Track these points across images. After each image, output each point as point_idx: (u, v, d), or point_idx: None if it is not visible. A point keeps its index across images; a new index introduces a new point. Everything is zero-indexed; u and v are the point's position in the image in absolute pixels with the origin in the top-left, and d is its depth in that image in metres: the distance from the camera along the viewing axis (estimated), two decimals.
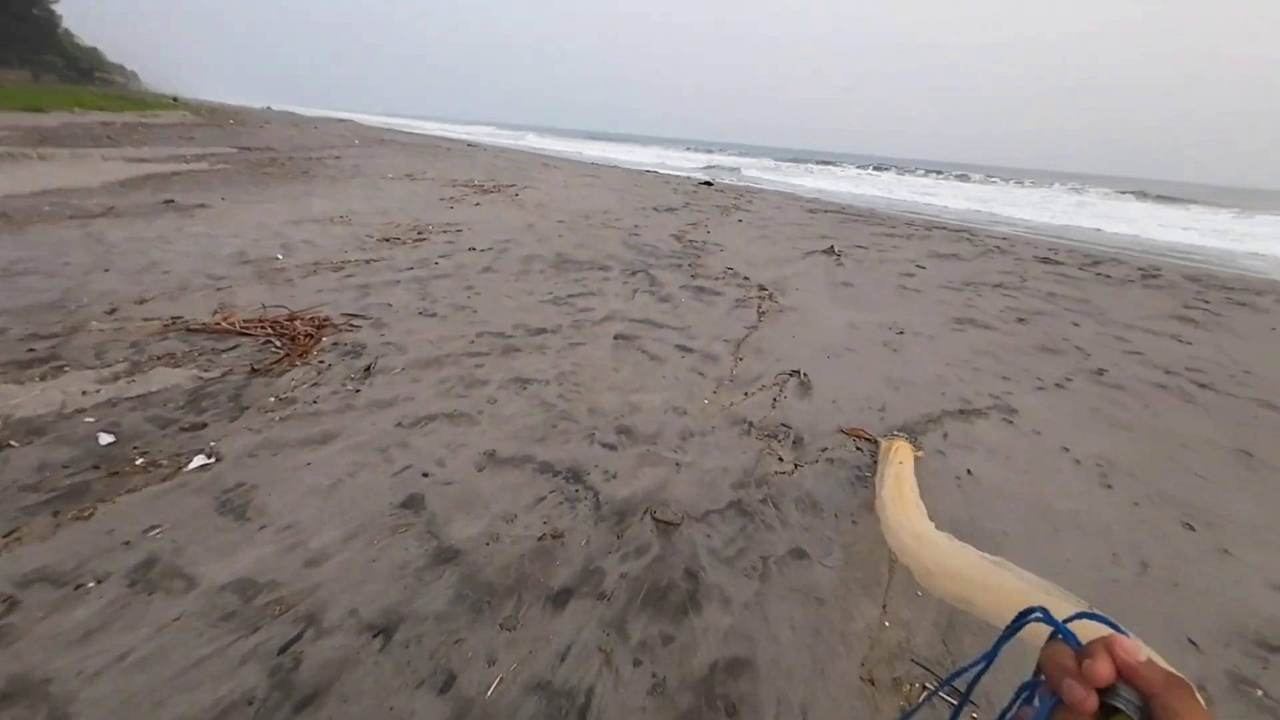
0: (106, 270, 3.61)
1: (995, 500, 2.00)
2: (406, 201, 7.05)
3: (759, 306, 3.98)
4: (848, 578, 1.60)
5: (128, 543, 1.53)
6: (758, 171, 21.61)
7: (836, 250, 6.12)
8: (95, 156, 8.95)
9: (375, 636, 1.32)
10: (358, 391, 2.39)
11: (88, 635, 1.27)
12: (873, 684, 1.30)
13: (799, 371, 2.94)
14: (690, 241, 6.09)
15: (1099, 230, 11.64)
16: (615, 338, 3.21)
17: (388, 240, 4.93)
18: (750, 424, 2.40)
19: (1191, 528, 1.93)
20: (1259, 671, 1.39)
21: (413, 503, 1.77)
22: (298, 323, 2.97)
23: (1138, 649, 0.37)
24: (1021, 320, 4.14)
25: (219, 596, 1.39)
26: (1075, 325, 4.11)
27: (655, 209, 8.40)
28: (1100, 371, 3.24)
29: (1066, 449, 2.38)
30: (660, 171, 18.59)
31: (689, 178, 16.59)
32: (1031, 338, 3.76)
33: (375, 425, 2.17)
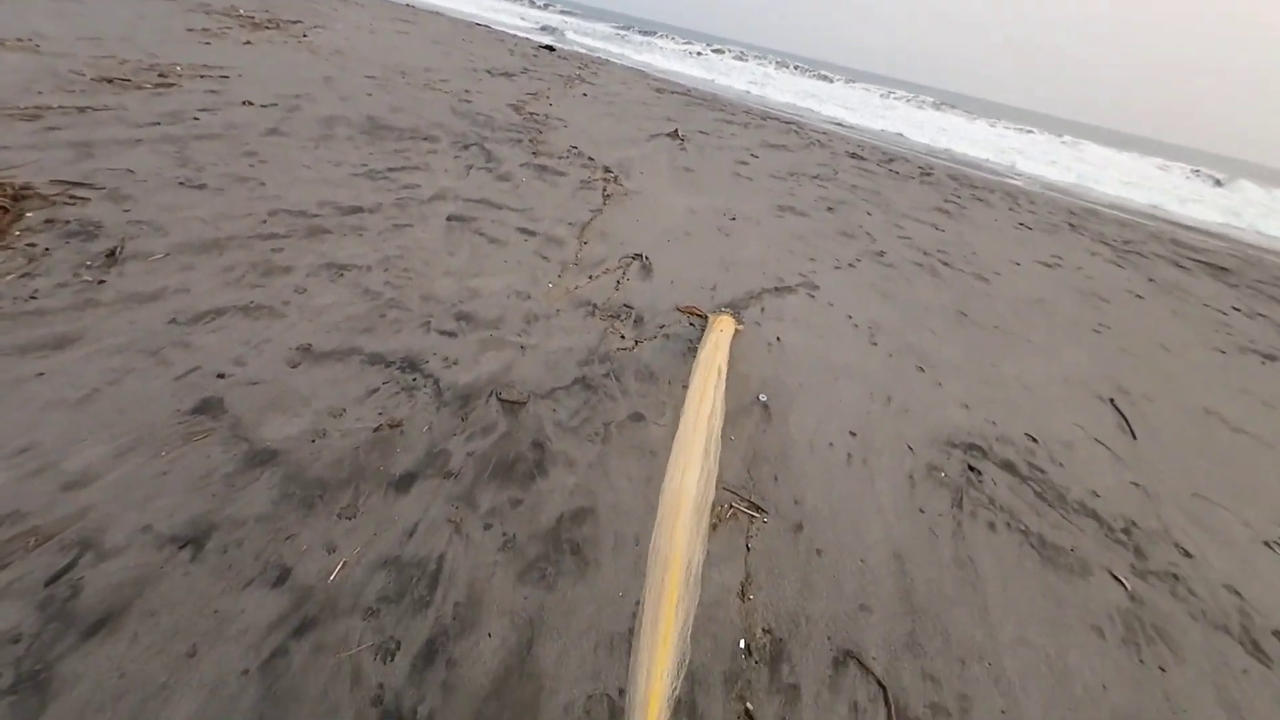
0: None
1: (795, 360, 2.40)
2: (131, 27, 5.14)
3: (604, 189, 3.89)
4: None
5: None
6: (595, 40, 19.83)
7: (680, 134, 6.11)
8: None
9: (182, 548, 1.19)
10: (100, 283, 1.88)
11: None
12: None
13: (641, 255, 3.03)
14: (531, 114, 5.54)
15: (901, 135, 13.24)
16: (449, 219, 2.92)
17: (109, 81, 3.62)
18: (595, 306, 2.45)
19: (922, 370, 2.55)
20: (944, 461, 1.98)
21: (208, 407, 1.53)
22: None
23: None
24: (830, 209, 4.70)
25: None
26: (868, 214, 4.80)
27: (489, 72, 7.35)
28: (881, 253, 3.90)
29: (850, 316, 2.89)
30: (492, 27, 16.03)
31: (527, 39, 14.63)
32: (836, 224, 4.32)
33: (136, 324, 1.75)
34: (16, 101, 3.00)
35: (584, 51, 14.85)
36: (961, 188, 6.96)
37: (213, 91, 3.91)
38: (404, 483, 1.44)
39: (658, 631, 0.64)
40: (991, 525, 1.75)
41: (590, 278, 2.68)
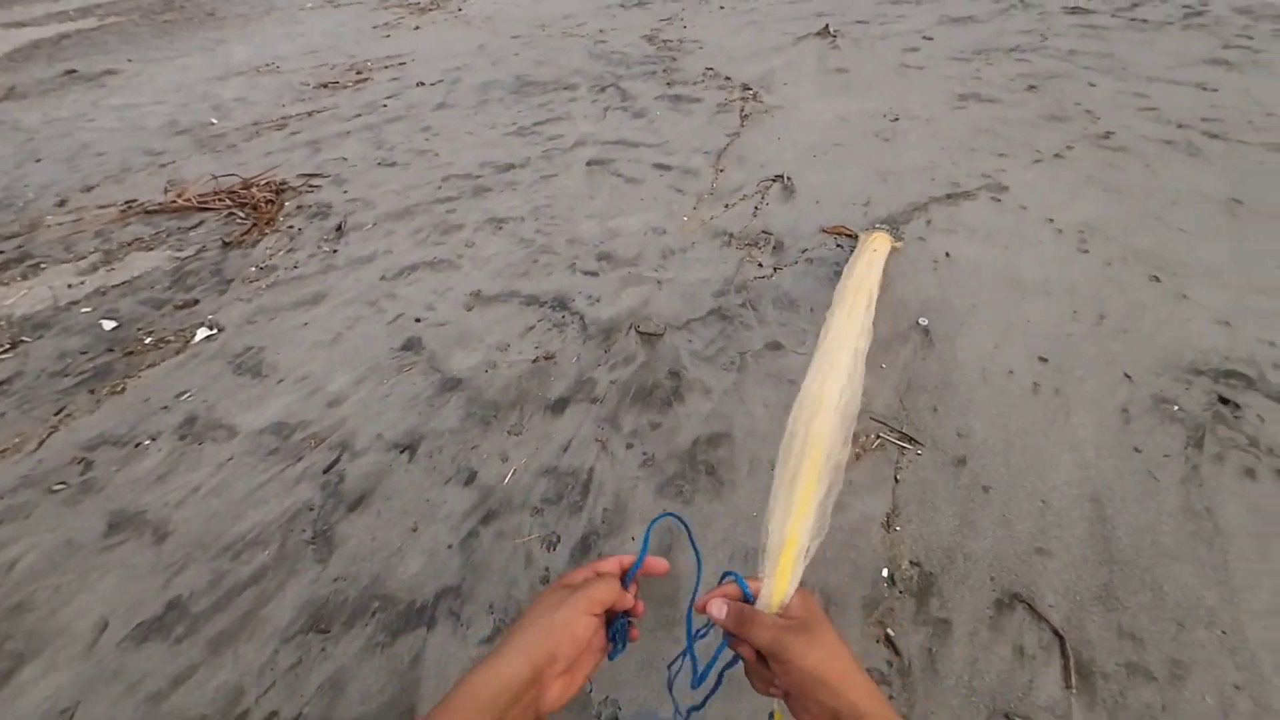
0: (38, 160, 3.36)
1: (969, 277, 2.05)
2: (335, 36, 6.11)
3: (742, 109, 3.63)
4: None
5: (165, 407, 1.70)
6: None
7: (832, 30, 5.32)
8: None
9: (403, 452, 1.53)
10: (335, 251, 2.38)
11: (161, 478, 1.49)
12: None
13: (782, 175, 2.81)
14: (664, 42, 5.32)
15: None
16: (588, 164, 3.03)
17: (326, 86, 4.40)
18: (731, 235, 2.38)
19: (1158, 279, 1.99)
20: (1180, 392, 1.57)
21: (411, 345, 1.88)
22: (254, 190, 2.83)
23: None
24: (1032, 88, 3.75)
25: (260, 439, 1.58)
26: (1091, 86, 3.72)
27: (623, 6, 7.17)
28: (1106, 135, 3.03)
29: (1051, 220, 2.35)
30: None
31: None
32: (1040, 107, 3.45)
33: (361, 281, 2.21)
34: (271, 115, 3.84)
35: None
36: (1256, 22, 4.94)
37: (395, 79, 4.51)
38: (558, 406, 1.63)
39: (795, 489, 0.64)
40: (1250, 472, 1.36)
41: (726, 206, 2.58)
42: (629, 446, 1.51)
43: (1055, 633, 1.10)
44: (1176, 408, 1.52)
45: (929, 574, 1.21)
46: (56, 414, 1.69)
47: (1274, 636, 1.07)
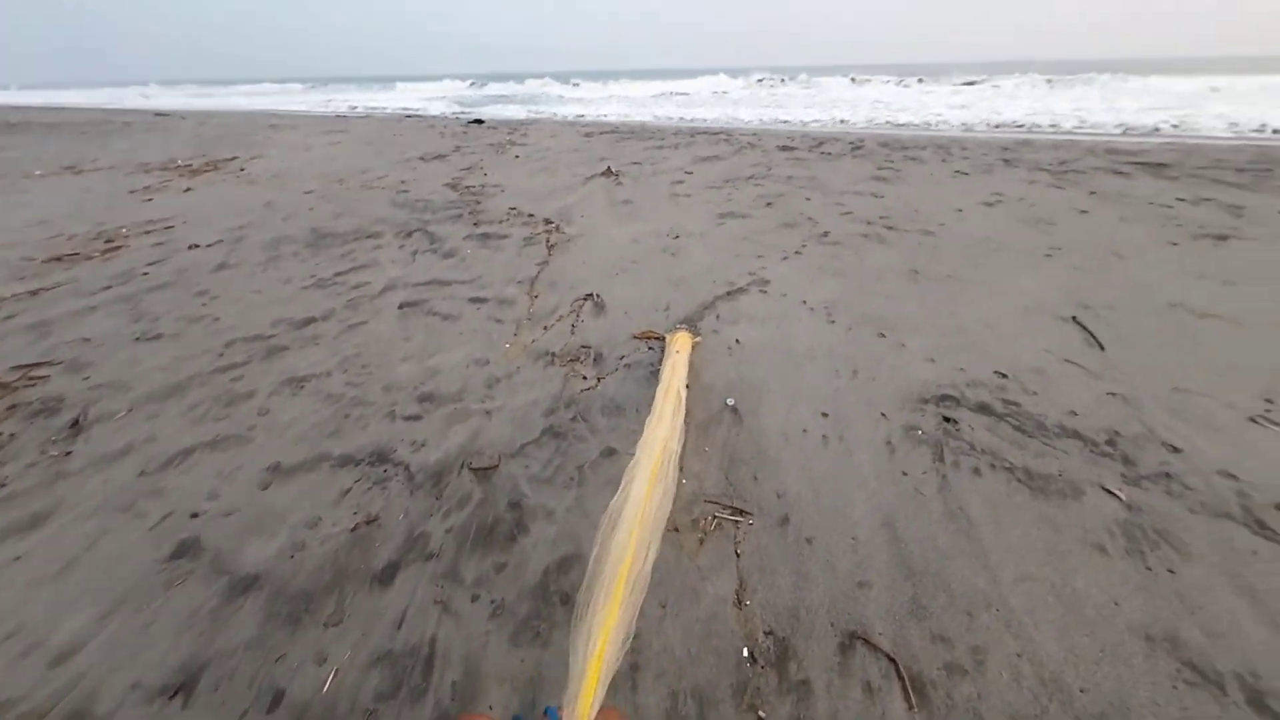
0: None
1: (757, 357, 2.43)
2: (78, 203, 5.36)
3: (547, 240, 4.00)
4: None
5: None
6: (516, 108, 20.64)
7: (614, 170, 6.31)
8: None
9: (173, 697, 1.19)
10: (68, 454, 1.92)
11: None
12: (677, 530, 1.57)
13: (593, 294, 3.10)
14: (467, 188, 5.73)
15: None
16: (401, 307, 3.00)
17: (59, 260, 3.76)
18: (553, 354, 2.50)
19: (883, 335, 2.58)
20: (920, 419, 1.99)
21: (186, 549, 1.54)
22: None
23: None
24: (769, 204, 4.83)
25: None
26: (807, 200, 4.93)
27: (422, 158, 7.64)
28: (825, 234, 3.99)
29: (804, 301, 2.95)
30: (423, 115, 16.70)
31: (456, 117, 15.24)
32: (777, 218, 4.43)
33: (109, 483, 1.79)
34: None
35: (515, 117, 15.41)
36: (893, 152, 7.15)
37: (159, 244, 4.05)
38: (387, 574, 1.45)
39: (596, 610, 0.65)
40: (976, 470, 1.75)
41: (545, 328, 2.73)
42: (474, 599, 1.38)
43: (889, 659, 1.23)
44: (920, 432, 1.93)
45: (782, 640, 1.28)
46: None
47: (1028, 600, 1.34)
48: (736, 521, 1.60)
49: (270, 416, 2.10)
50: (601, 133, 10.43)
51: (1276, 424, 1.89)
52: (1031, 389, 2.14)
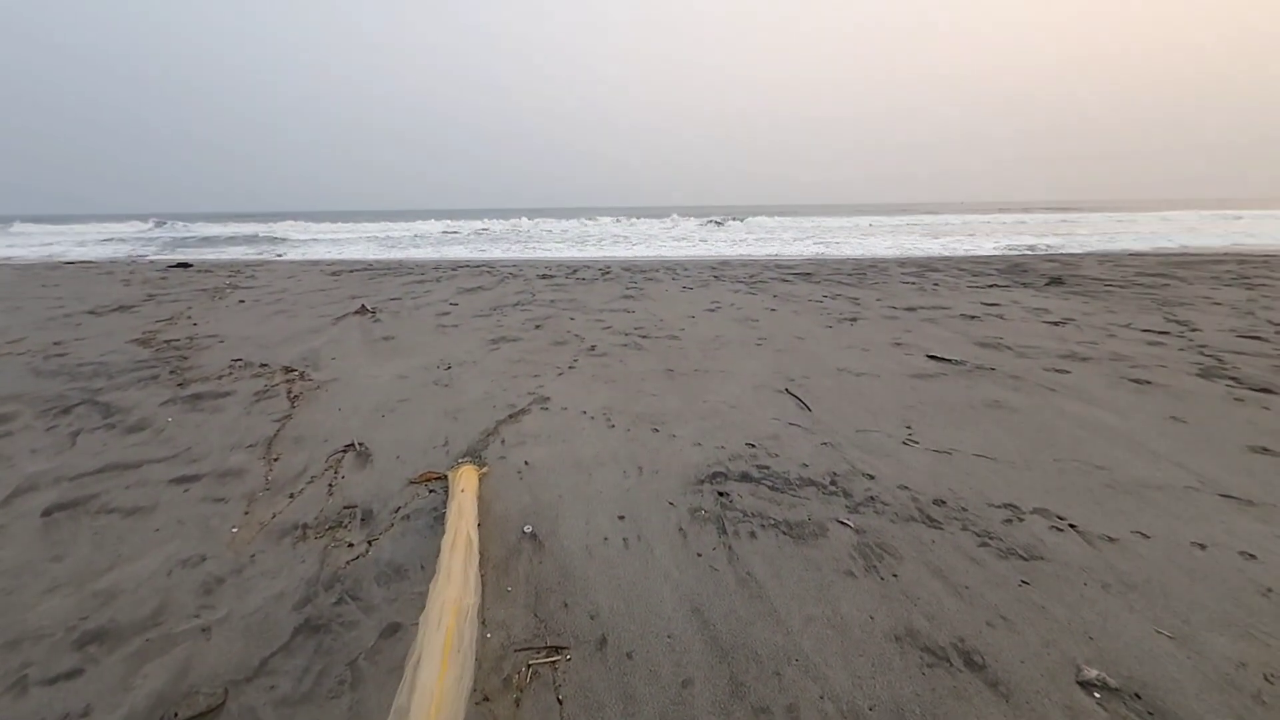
0: None
1: (548, 475, 2.41)
2: None
3: (289, 390, 3.43)
4: None
5: None
6: (243, 248, 18.50)
7: (370, 307, 5.93)
8: None
9: None
10: None
11: None
12: (487, 700, 1.34)
13: (354, 443, 2.71)
14: (167, 342, 4.64)
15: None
16: (46, 514, 2.12)
17: None
18: (304, 526, 2.05)
19: (656, 430, 2.85)
20: (700, 500, 2.20)
21: None
22: None
23: None
24: (538, 326, 5.12)
25: None
26: (571, 319, 5.39)
27: (93, 313, 5.97)
28: (592, 348, 4.37)
29: (584, 411, 3.10)
30: (99, 260, 13.34)
31: (153, 261, 12.62)
32: (548, 338, 4.70)
33: None
34: None
35: (237, 259, 13.51)
36: (635, 275, 8.47)
37: None
38: None
39: None
40: (752, 534, 1.99)
41: (291, 496, 2.25)
42: None
43: None
44: (703, 511, 2.12)
45: None
46: None
47: (816, 640, 1.51)
48: (553, 662, 1.46)
49: None
50: (352, 271, 9.85)
51: (917, 443, 2.66)
52: (774, 452, 2.59)
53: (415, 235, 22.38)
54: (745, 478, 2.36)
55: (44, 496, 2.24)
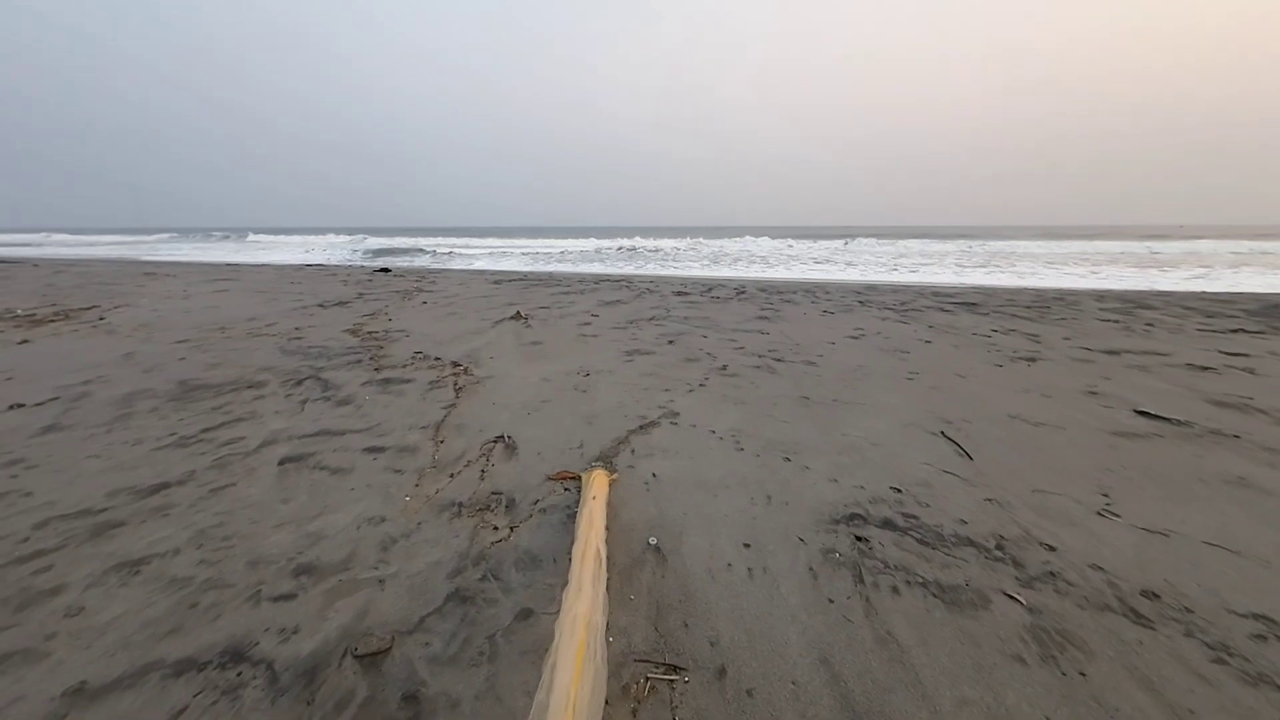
0: None
1: (674, 490, 2.42)
2: None
3: (455, 383, 3.92)
4: None
5: None
6: (429, 258, 21.58)
7: (523, 314, 6.57)
8: None
9: None
10: None
11: None
12: (607, 704, 1.37)
13: (503, 436, 3.00)
14: (370, 333, 5.61)
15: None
16: (281, 463, 2.67)
17: None
18: (460, 505, 2.31)
19: (788, 459, 2.72)
20: (834, 541, 2.04)
21: None
22: None
23: None
24: (671, 342, 5.22)
25: None
26: (704, 337, 5.40)
27: (321, 306, 7.45)
28: (724, 367, 4.33)
29: (713, 430, 3.07)
30: (327, 264, 16.68)
31: (362, 267, 15.39)
32: (679, 354, 4.77)
33: None
34: None
35: (423, 266, 15.88)
36: (771, 296, 8.25)
37: None
38: None
39: None
40: (895, 589, 1.79)
41: (451, 476, 2.55)
42: None
43: None
44: (838, 554, 1.96)
45: None
46: None
47: None
48: (671, 681, 1.45)
49: (81, 618, 1.65)
50: (509, 280, 11.00)
51: (1117, 515, 2.19)
52: (923, 501, 2.32)
53: (562, 251, 24.33)
54: (888, 525, 2.14)
55: (280, 449, 2.82)
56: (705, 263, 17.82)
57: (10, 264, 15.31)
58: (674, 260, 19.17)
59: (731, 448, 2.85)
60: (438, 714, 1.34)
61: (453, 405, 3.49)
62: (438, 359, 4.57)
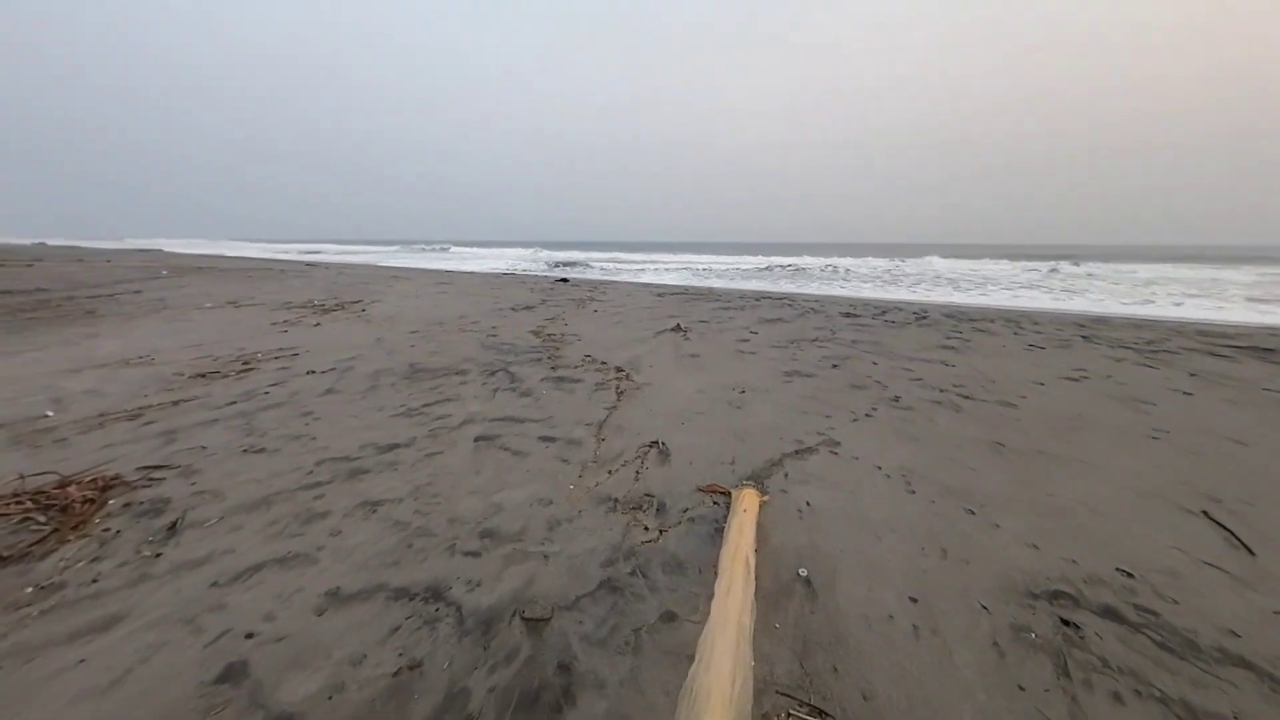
0: None
1: (830, 523, 2.27)
2: (227, 331, 6.36)
3: (617, 387, 4.20)
4: None
5: None
6: (599, 271, 23.36)
7: (682, 327, 6.76)
8: None
9: None
10: (158, 556, 2.02)
11: None
12: None
13: (658, 441, 3.13)
14: (549, 335, 6.30)
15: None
16: (476, 440, 3.15)
17: (203, 376, 4.37)
18: (616, 500, 2.47)
19: (972, 512, 2.37)
20: (1030, 618, 1.72)
21: (231, 674, 1.50)
22: (72, 489, 2.45)
23: None
24: (835, 366, 4.90)
25: None
26: (874, 364, 4.96)
27: (512, 309, 8.59)
28: (895, 398, 3.93)
29: (879, 467, 2.81)
30: (518, 273, 19.19)
31: (546, 276, 17.34)
32: (844, 379, 4.46)
33: (180, 593, 1.84)
34: (124, 406, 3.61)
35: (594, 278, 17.32)
36: (960, 323, 7.24)
37: (284, 368, 4.64)
38: None
39: None
40: (1116, 696, 1.44)
41: (610, 472, 2.74)
42: None
43: None
44: (1034, 635, 1.65)
45: None
46: None
47: None
48: None
49: (340, 538, 2.15)
50: (672, 294, 11.41)
51: None
52: (1168, 595, 1.82)
53: (730, 267, 24.45)
54: (1112, 615, 1.73)
55: (476, 428, 3.33)
56: (878, 283, 16.37)
57: (310, 266, 20.57)
58: (841, 279, 17.97)
59: (900, 488, 2.57)
60: (586, 689, 1.46)
61: (614, 407, 3.74)
62: (604, 363, 4.95)
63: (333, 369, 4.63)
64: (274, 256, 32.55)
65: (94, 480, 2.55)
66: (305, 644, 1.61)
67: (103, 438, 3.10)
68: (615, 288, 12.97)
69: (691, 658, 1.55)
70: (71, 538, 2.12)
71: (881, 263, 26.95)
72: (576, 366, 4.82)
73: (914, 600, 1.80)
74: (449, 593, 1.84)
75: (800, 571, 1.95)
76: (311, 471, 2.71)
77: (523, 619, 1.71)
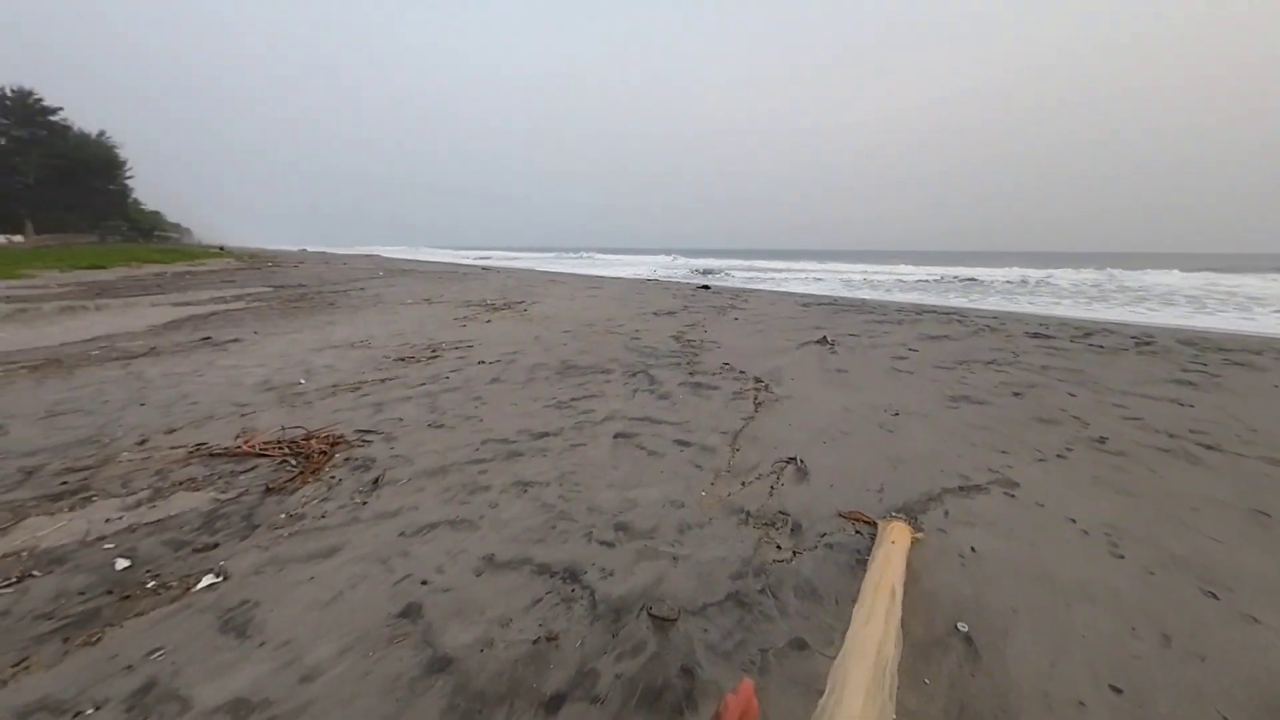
0: (141, 404, 3.88)
1: (1001, 576, 1.95)
2: (422, 324, 7.57)
3: (755, 398, 4.10)
4: None
5: (129, 667, 1.55)
6: (742, 275, 22.87)
7: (829, 339, 6.35)
8: (144, 304, 9.86)
9: None
10: (364, 504, 2.48)
11: None
12: None
13: (796, 458, 2.98)
14: (688, 341, 6.38)
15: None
16: (615, 436, 3.31)
17: (402, 360, 5.26)
18: (748, 513, 2.41)
19: (1213, 595, 1.85)
20: None
21: (410, 612, 1.78)
22: (313, 441, 3.13)
23: None
24: (1016, 394, 4.20)
25: (211, 719, 1.39)
26: (1071, 395, 4.14)
27: (655, 314, 8.88)
28: (1101, 439, 3.23)
29: (1073, 519, 2.34)
30: (660, 279, 19.78)
31: (687, 283, 17.60)
32: (1027, 410, 3.80)
33: (379, 536, 2.23)
34: (349, 380, 4.50)
35: (735, 285, 17.13)
36: (1203, 353, 5.71)
37: (461, 357, 5.38)
38: (553, 704, 1.43)
39: None
40: None
41: (743, 484, 2.69)
42: None
43: None
44: None
45: None
46: (16, 665, 1.55)
47: None
48: None
49: (497, 510, 2.42)
50: (819, 304, 10.80)
51: None
52: None
53: (891, 277, 22.43)
54: None
55: (616, 425, 3.51)
56: (1080, 299, 13.63)
57: (485, 270, 23.53)
58: (1030, 292, 15.33)
59: (1102, 549, 2.11)
60: (707, 697, 1.44)
61: (751, 418, 3.66)
62: (742, 372, 4.86)
63: (498, 361, 5.24)
64: (457, 261, 37.95)
65: (327, 436, 3.22)
66: (465, 599, 1.85)
67: (334, 403, 3.90)
68: (757, 295, 12.68)
69: (821, 692, 1.45)
70: (310, 480, 2.71)
71: (1089, 274, 22.46)
72: (714, 374, 4.81)
73: (1116, 690, 1.46)
74: (584, 576, 1.96)
75: (959, 625, 1.71)
76: (478, 449, 3.10)
77: (650, 615, 1.76)
